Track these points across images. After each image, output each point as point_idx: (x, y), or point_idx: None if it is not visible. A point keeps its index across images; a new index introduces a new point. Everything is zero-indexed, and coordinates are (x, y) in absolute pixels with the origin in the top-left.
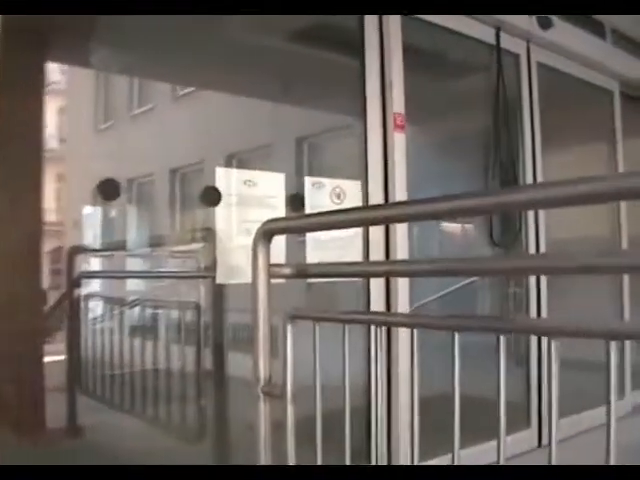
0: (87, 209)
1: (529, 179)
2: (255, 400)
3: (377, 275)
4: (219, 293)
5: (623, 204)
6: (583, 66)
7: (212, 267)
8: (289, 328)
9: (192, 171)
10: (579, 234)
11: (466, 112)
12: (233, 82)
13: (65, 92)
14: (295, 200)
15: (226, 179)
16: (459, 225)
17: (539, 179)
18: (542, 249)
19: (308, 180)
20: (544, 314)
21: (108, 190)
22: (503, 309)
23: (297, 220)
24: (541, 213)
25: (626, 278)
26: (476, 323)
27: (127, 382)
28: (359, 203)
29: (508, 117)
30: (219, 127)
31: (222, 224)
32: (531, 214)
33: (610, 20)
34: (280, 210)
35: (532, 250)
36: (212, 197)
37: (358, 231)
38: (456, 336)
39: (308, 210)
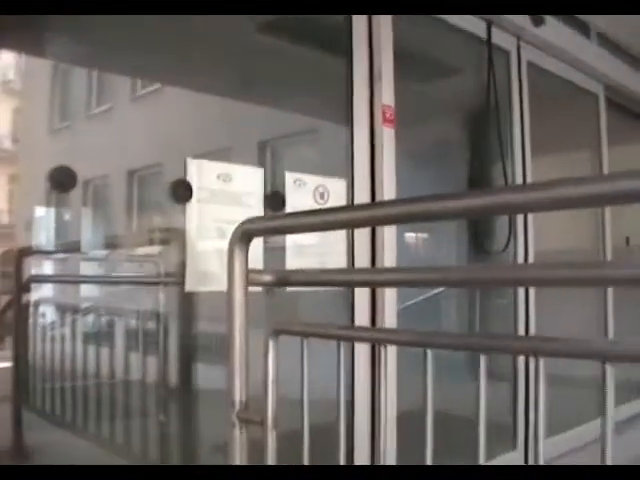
0: (40, 210)
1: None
2: (229, 427)
3: (365, 284)
4: (188, 301)
5: (607, 214)
6: (571, 67)
7: (180, 272)
8: (271, 344)
9: (150, 173)
10: (561, 246)
11: (453, 112)
12: (195, 78)
13: (20, 92)
14: (275, 199)
15: (198, 172)
16: (441, 229)
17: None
18: (531, 259)
19: (289, 177)
20: (532, 328)
21: (62, 179)
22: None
23: (279, 220)
24: (530, 218)
25: (610, 290)
26: (505, 343)
27: (78, 398)
28: (345, 204)
29: (499, 117)
30: (179, 128)
31: (193, 224)
32: (520, 219)
33: (595, 22)
34: (258, 210)
35: (520, 260)
36: (183, 192)
37: (341, 236)
38: (482, 358)
39: (289, 211)
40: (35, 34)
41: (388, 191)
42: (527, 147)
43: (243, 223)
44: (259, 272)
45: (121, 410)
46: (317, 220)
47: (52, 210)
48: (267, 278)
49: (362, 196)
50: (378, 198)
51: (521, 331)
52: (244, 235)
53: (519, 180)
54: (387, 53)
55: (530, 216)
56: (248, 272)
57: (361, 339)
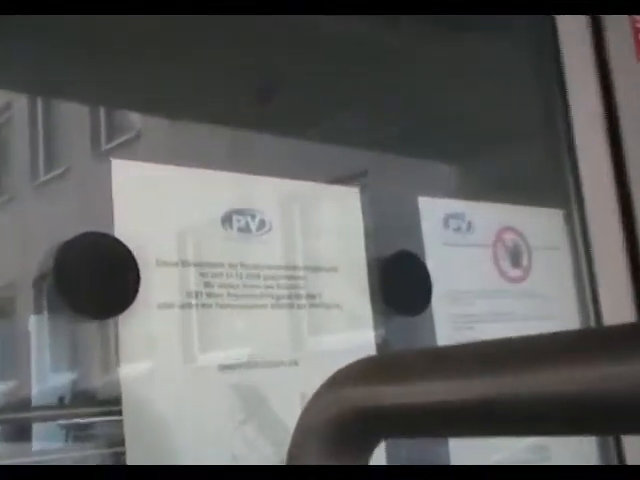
0: None
1: None
2: None
3: None
4: None
5: None
6: None
7: None
8: None
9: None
10: None
11: None
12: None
13: None
14: (402, 277)
15: (152, 208)
16: None
17: None
18: None
19: (429, 207)
20: None
21: None
22: None
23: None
24: None
25: None
26: None
27: None
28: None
29: None
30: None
31: (143, 386)
32: None
33: None
34: (355, 317)
35: None
36: (92, 289)
37: None
38: None
39: (445, 315)
40: None
41: None
42: None
43: (335, 384)
44: None
45: None
46: None
47: None
48: None
49: (610, 249)
50: None
51: None
52: (348, 429)
53: None
54: None
55: None
56: None
57: None
